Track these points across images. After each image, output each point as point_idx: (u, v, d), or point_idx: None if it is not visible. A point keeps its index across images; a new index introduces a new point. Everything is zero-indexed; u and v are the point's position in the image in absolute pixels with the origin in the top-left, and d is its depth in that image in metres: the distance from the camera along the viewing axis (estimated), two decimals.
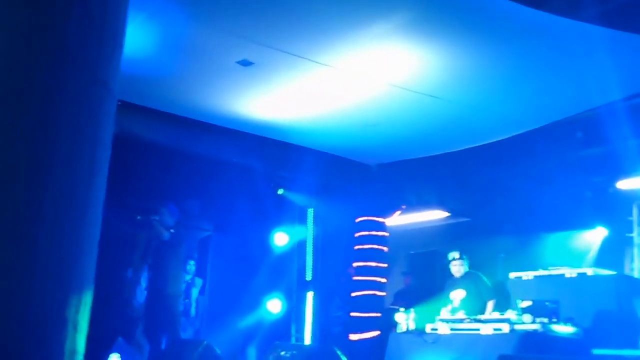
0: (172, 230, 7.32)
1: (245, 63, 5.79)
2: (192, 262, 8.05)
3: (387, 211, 8.74)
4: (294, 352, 5.32)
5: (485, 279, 7.44)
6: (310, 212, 8.97)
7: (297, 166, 8.09)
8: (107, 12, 2.43)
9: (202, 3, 5.05)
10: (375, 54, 5.70)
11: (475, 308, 7.01)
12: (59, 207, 1.93)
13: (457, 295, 7.11)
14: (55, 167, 1.94)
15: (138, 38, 5.36)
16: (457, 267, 7.47)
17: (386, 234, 8.68)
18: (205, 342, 5.86)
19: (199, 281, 8.67)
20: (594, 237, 9.07)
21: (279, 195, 8.52)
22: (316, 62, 5.81)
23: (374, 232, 8.57)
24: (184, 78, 6.33)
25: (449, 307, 7.00)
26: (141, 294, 7.08)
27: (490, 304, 7.13)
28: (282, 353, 5.34)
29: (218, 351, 6.09)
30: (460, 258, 7.47)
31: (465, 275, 7.45)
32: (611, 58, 5.52)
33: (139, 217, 7.30)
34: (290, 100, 6.70)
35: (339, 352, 5.08)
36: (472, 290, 7.22)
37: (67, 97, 2.05)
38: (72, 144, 2.03)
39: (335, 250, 8.92)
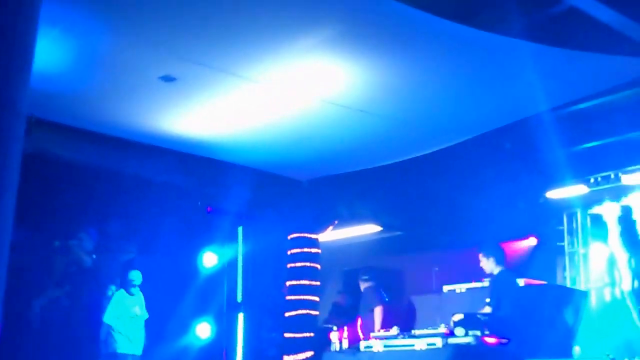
0: (93, 256, 7.18)
1: (168, 79, 5.77)
2: (113, 287, 7.91)
3: (320, 227, 8.80)
4: None
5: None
6: (240, 230, 8.93)
7: (226, 183, 8.07)
8: (16, 29, 2.41)
9: (122, 16, 5.02)
10: (302, 68, 5.78)
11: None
12: None
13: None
14: None
15: (53, 53, 5.29)
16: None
17: (319, 250, 8.74)
18: None
19: None
20: (526, 247, 9.38)
21: (207, 213, 8.46)
22: (241, 77, 5.85)
23: (306, 249, 8.60)
24: (105, 94, 6.25)
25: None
26: (57, 321, 6.92)
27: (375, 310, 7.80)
28: None
29: None
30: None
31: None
32: (537, 70, 5.77)
33: (57, 243, 7.13)
34: (216, 116, 6.70)
35: None
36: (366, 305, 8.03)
37: None
38: None
39: (267, 269, 8.90)
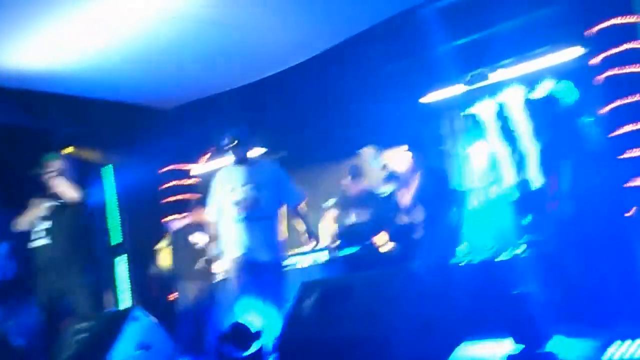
0: None
1: None
2: None
3: (193, 156, 8.45)
4: (93, 322, 4.96)
5: None
6: (108, 170, 8.46)
7: (84, 120, 7.59)
8: None
9: None
10: None
11: None
12: None
13: None
14: None
15: None
16: None
17: (195, 180, 8.40)
18: None
19: None
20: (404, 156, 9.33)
21: (69, 155, 7.94)
22: None
23: (181, 181, 8.26)
24: None
25: None
26: None
27: None
28: (79, 326, 4.97)
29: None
30: None
31: None
32: None
33: None
34: (52, 45, 6.17)
35: (143, 313, 4.83)
36: None
37: None
38: None
39: (143, 207, 8.45)
